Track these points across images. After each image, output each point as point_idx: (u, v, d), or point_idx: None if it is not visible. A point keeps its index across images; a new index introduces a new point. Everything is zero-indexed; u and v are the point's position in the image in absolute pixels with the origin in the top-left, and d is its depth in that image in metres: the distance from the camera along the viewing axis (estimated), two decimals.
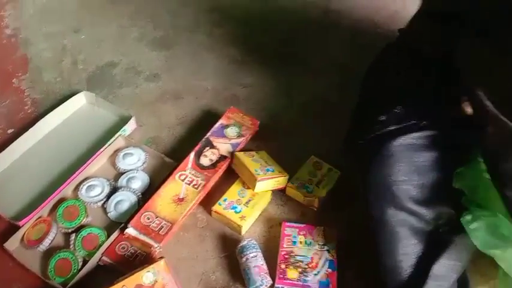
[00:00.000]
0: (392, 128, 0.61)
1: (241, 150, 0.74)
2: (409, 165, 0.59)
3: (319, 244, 0.64)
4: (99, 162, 0.74)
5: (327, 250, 0.63)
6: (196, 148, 0.73)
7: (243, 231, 0.67)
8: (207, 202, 0.70)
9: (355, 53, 0.93)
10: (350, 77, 0.76)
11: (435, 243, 0.60)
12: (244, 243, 0.63)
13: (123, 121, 0.78)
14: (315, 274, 0.61)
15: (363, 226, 0.61)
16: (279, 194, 0.71)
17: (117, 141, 0.75)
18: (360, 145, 0.61)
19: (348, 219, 0.68)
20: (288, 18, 1.04)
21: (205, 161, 0.72)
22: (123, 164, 0.73)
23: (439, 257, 0.59)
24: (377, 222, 0.60)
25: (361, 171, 0.62)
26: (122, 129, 0.76)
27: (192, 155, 0.72)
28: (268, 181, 0.68)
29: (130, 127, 0.79)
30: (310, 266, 0.61)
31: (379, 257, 0.60)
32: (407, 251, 0.59)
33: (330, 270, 0.61)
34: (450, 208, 0.60)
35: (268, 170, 0.69)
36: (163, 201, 0.67)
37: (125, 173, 0.72)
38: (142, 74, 0.92)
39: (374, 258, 0.60)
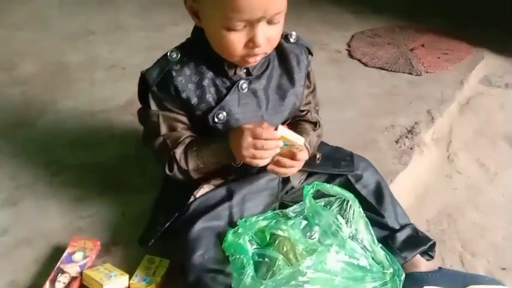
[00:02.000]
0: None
1: (88, 268, 0.93)
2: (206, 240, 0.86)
3: None
4: None
5: None
6: (51, 277, 0.90)
7: None
8: None
9: None
10: None
11: None
12: None
13: None
14: None
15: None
16: None
17: None
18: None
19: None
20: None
21: (59, 285, 0.89)
22: None
23: None
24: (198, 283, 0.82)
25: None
26: None
27: (47, 283, 0.89)
28: (113, 284, 0.88)
29: None
30: None
31: None
32: None
33: None
34: None
35: (111, 276, 0.89)
36: None
37: None
38: None
39: None
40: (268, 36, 0.80)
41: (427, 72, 1.71)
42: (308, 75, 0.99)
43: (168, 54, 0.87)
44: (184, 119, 0.90)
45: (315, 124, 1.02)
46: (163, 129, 0.88)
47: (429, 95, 1.56)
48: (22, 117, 1.46)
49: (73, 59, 1.84)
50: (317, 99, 1.07)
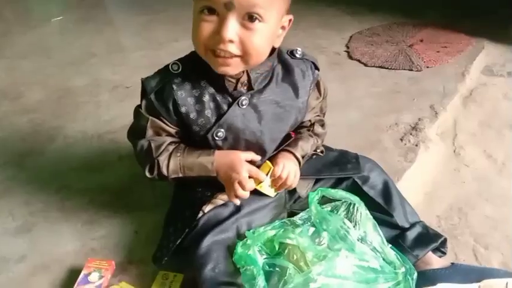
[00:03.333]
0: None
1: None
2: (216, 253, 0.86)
3: None
4: None
5: None
6: None
7: None
8: None
9: None
10: None
11: None
12: None
13: None
14: None
15: None
16: None
17: None
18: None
19: None
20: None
21: None
22: None
23: None
24: None
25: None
26: None
27: None
28: None
29: None
30: None
31: None
32: None
33: None
34: None
35: None
36: None
37: None
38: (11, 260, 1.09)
39: None
40: (241, 37, 0.77)
41: (427, 67, 1.71)
42: (318, 85, 0.99)
43: (170, 66, 0.88)
44: (172, 130, 0.91)
45: (311, 125, 1.03)
46: (149, 133, 0.90)
47: (431, 90, 1.56)
48: (31, 144, 1.49)
49: (77, 83, 1.88)
50: (326, 103, 1.06)
